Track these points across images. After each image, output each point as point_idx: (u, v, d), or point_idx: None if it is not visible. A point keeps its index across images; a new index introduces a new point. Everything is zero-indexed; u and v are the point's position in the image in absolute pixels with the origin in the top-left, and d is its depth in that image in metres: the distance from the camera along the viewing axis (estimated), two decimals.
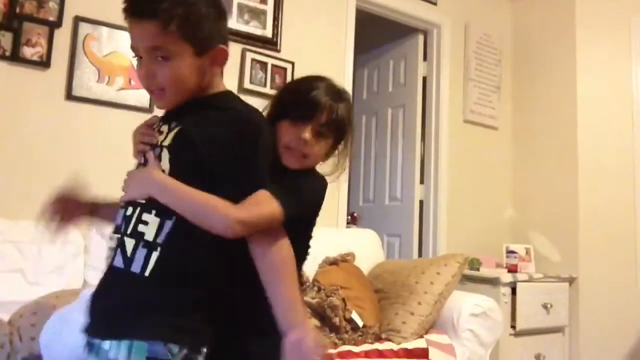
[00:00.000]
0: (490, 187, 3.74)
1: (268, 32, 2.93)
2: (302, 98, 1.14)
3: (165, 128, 1.05)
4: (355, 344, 2.02)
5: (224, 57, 1.07)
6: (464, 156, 3.62)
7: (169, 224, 0.95)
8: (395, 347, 2.08)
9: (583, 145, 3.40)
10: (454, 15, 3.68)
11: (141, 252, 0.95)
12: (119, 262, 0.97)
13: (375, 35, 3.92)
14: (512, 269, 3.20)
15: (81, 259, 2.19)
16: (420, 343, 2.13)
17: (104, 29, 2.47)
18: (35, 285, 1.99)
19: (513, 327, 2.97)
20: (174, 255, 0.94)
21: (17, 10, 2.27)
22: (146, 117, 2.86)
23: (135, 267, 0.94)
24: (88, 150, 2.43)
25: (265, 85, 2.88)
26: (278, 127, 1.13)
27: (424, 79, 3.68)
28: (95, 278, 2.13)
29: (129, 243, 0.96)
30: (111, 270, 0.99)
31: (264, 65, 2.89)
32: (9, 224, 2.08)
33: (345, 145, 1.21)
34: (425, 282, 2.29)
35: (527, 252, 3.33)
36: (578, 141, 3.40)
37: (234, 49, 2.83)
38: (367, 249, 2.78)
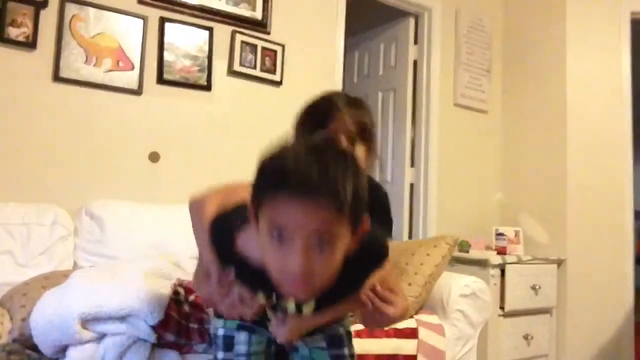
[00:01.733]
0: (480, 170, 3.75)
1: (258, 14, 2.90)
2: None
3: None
4: None
5: (366, 231, 0.86)
6: (454, 139, 3.63)
7: None
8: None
9: (572, 128, 3.41)
10: None
11: None
12: None
13: (366, 18, 3.90)
14: (501, 251, 3.23)
15: (71, 241, 2.18)
16: (410, 323, 2.14)
17: (91, 10, 2.43)
18: (25, 267, 1.98)
19: (502, 308, 3.01)
20: None
21: None
22: (134, 99, 2.80)
23: None
24: (76, 133, 2.41)
25: (255, 68, 2.85)
26: None
27: (415, 62, 3.67)
28: (84, 260, 2.15)
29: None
30: None
31: (253, 47, 2.86)
32: None
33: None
34: (416, 264, 2.30)
35: (516, 234, 3.36)
36: (567, 124, 3.41)
37: (224, 31, 2.80)
38: None
